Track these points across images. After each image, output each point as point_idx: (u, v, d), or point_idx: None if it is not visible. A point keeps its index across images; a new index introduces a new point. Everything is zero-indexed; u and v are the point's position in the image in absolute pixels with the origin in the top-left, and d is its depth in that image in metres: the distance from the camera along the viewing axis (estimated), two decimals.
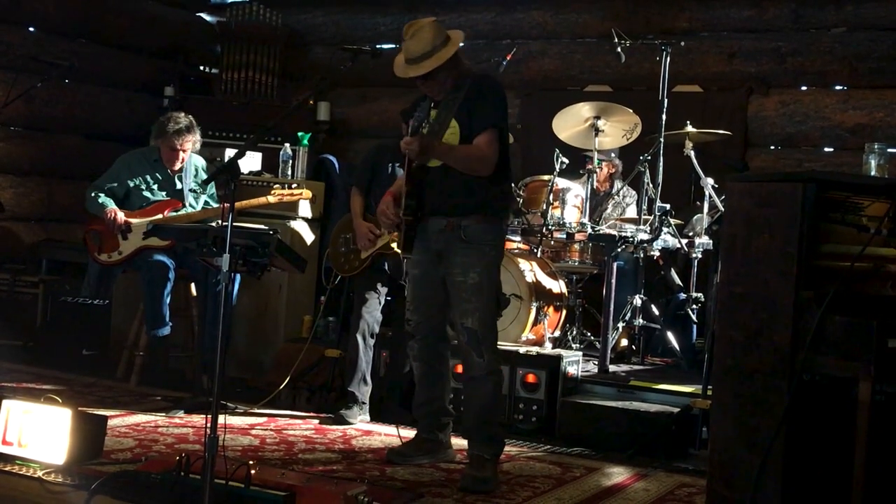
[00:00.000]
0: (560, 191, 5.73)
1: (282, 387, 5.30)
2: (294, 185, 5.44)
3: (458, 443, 4.35)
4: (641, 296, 5.75)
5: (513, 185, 5.36)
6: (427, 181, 4.08)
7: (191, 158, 5.67)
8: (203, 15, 8.58)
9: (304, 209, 6.18)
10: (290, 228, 6.10)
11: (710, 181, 5.64)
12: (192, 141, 5.57)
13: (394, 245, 5.05)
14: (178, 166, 5.60)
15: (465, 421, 4.15)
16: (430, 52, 3.98)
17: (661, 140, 5.58)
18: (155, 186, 5.64)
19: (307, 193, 5.51)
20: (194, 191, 5.71)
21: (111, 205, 5.52)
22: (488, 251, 4.03)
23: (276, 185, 5.38)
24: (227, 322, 3.94)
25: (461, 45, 4.08)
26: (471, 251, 4.01)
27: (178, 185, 5.66)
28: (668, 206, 5.47)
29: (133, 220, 5.50)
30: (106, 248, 5.57)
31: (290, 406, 5.32)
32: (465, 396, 4.18)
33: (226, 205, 3.16)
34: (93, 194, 5.57)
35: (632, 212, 6.23)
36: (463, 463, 4.18)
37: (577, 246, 5.96)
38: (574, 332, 5.89)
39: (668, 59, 5.69)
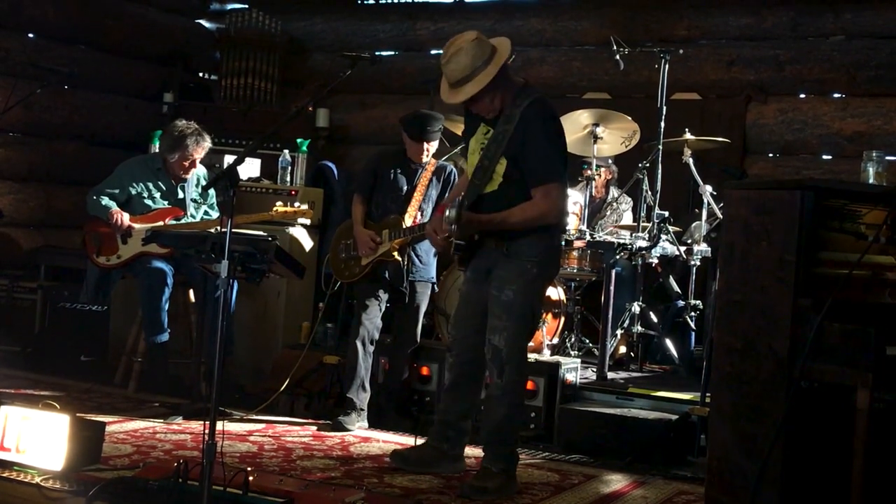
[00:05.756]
0: None
1: (278, 393, 5.29)
2: (296, 203, 5.46)
3: (475, 452, 4.33)
4: (640, 303, 5.74)
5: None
6: (481, 209, 3.99)
7: None
8: (203, 21, 8.59)
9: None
10: (288, 235, 6.10)
11: (709, 188, 5.65)
12: (207, 148, 5.59)
13: (395, 252, 5.05)
14: (190, 175, 5.61)
15: (481, 432, 4.15)
16: (470, 76, 3.84)
17: (660, 147, 5.58)
18: (157, 195, 5.64)
19: (309, 212, 5.51)
20: (196, 201, 5.71)
21: (115, 207, 5.52)
22: (529, 268, 3.92)
23: (279, 203, 5.39)
24: (227, 329, 3.94)
25: (508, 56, 3.92)
26: (511, 266, 3.93)
27: (181, 195, 5.67)
28: (666, 214, 5.47)
29: (134, 225, 5.51)
30: (104, 251, 5.57)
31: (289, 412, 5.31)
32: (483, 410, 4.18)
33: (224, 217, 3.16)
34: (95, 197, 5.57)
35: (627, 218, 6.24)
36: (471, 471, 4.18)
37: (575, 253, 5.94)
38: (572, 339, 5.89)
39: (667, 66, 5.70)
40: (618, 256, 5.36)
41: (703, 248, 5.62)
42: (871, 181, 3.72)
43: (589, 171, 5.78)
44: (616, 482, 4.28)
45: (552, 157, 3.91)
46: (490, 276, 4.02)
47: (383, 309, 5.17)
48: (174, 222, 5.58)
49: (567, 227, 5.38)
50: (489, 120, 4.00)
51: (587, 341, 6.05)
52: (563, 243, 5.65)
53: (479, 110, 3.99)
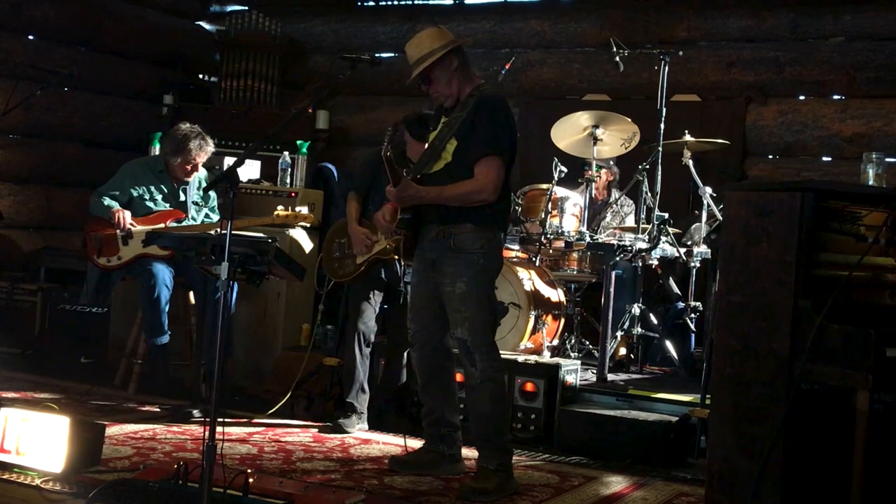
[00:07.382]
0: (559, 199, 5.74)
1: (284, 400, 5.25)
2: (298, 207, 5.46)
3: (474, 454, 4.32)
4: (640, 305, 5.74)
5: (512, 196, 5.30)
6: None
7: None
8: (202, 23, 8.59)
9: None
10: (288, 236, 6.10)
11: (709, 190, 5.65)
12: (210, 152, 5.59)
13: (391, 252, 5.03)
14: (191, 177, 5.62)
15: (471, 429, 4.16)
16: (428, 55, 4.02)
17: (660, 149, 5.58)
18: (159, 197, 5.64)
19: (311, 217, 5.51)
20: (197, 203, 5.71)
21: (117, 206, 5.53)
22: (477, 259, 4.00)
23: (280, 207, 5.39)
24: (227, 330, 3.94)
25: (464, 49, 4.10)
26: (459, 260, 4.00)
27: (182, 197, 5.67)
28: (666, 215, 5.47)
29: (135, 227, 5.51)
30: (105, 252, 5.58)
31: (289, 414, 5.31)
32: (468, 407, 4.18)
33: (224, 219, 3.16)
34: (97, 198, 5.58)
35: (630, 221, 6.23)
36: (470, 472, 4.18)
37: (575, 255, 5.96)
38: (572, 341, 5.89)
39: (667, 68, 5.70)
40: (618, 258, 5.36)
41: (702, 249, 5.62)
42: (870, 183, 3.73)
43: (589, 173, 5.78)
44: (616, 484, 4.28)
45: (499, 135, 4.00)
46: (435, 268, 4.07)
47: (377, 310, 5.16)
48: (175, 224, 5.58)
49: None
50: (448, 111, 4.12)
51: (587, 343, 6.05)
52: (564, 245, 5.67)
53: (436, 92, 4.10)
